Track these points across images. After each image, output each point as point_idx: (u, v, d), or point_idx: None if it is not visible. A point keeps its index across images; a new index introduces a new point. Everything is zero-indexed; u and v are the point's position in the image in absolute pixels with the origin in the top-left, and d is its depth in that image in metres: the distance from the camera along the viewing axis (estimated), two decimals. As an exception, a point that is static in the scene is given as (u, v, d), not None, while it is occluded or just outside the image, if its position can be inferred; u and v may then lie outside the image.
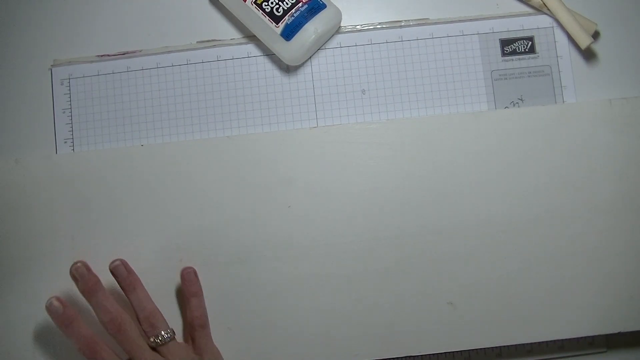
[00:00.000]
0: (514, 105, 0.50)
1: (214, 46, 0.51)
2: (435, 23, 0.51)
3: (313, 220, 0.47)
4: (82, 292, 0.43)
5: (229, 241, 0.47)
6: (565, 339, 0.47)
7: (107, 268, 0.45)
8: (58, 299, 0.42)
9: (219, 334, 0.46)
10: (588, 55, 0.50)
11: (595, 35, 0.50)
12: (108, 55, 0.51)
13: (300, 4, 0.47)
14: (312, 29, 0.47)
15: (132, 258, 0.47)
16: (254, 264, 0.47)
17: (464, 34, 0.51)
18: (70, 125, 0.50)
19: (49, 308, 0.42)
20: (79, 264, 0.43)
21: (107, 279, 0.46)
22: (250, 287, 0.47)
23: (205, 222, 0.47)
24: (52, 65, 0.51)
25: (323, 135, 0.48)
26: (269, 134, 0.48)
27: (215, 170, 0.47)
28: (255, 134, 0.49)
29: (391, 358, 0.46)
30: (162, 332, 0.43)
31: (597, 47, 0.50)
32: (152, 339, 0.43)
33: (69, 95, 0.51)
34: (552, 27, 0.50)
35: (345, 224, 0.47)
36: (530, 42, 0.50)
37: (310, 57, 0.51)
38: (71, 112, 0.51)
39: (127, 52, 0.51)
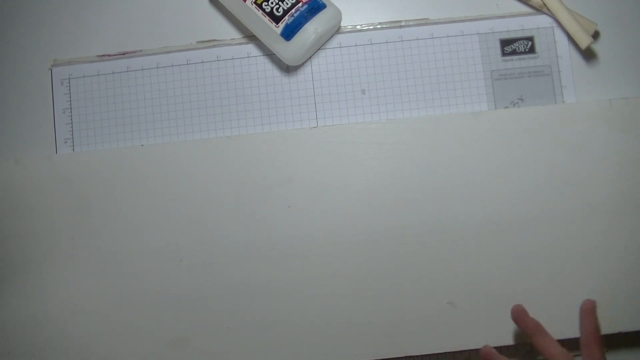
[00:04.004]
0: (514, 105, 0.50)
1: (214, 46, 0.51)
2: (435, 23, 0.51)
3: (313, 220, 0.47)
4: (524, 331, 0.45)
5: (229, 241, 0.47)
6: (565, 339, 0.47)
7: (107, 268, 0.45)
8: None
9: (219, 334, 0.46)
10: (588, 55, 0.50)
11: (595, 35, 0.50)
12: (108, 55, 0.51)
13: (300, 4, 0.47)
14: (312, 29, 0.47)
15: (132, 258, 0.47)
16: (254, 264, 0.47)
17: (464, 34, 0.51)
18: (70, 125, 0.50)
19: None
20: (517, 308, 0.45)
21: (106, 282, 0.46)
22: (250, 287, 0.47)
23: (205, 222, 0.47)
24: (52, 65, 0.51)
25: (323, 135, 0.48)
26: (269, 133, 0.48)
27: (215, 170, 0.47)
28: (255, 134, 0.49)
29: (391, 358, 0.46)
30: None
31: (597, 47, 0.50)
32: None
33: (69, 95, 0.51)
34: (552, 27, 0.50)
35: (345, 223, 0.47)
36: (530, 42, 0.50)
37: (310, 57, 0.51)
38: (71, 112, 0.51)
39: (127, 52, 0.51)
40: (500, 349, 0.48)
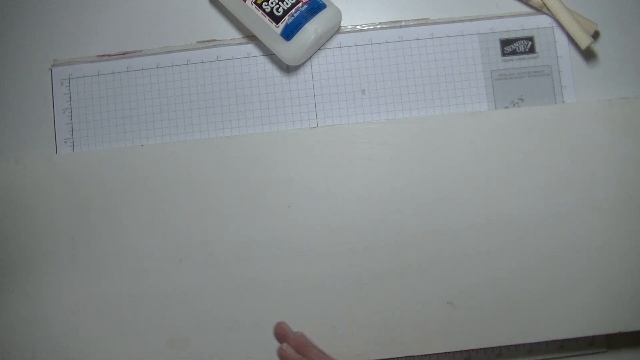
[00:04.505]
0: (514, 105, 0.50)
1: (214, 46, 0.51)
2: (435, 23, 0.51)
3: (313, 220, 0.47)
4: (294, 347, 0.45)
5: (229, 241, 0.47)
6: (565, 339, 0.47)
7: (107, 268, 0.45)
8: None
9: (219, 334, 0.46)
10: (588, 55, 0.50)
11: (595, 35, 0.50)
12: (108, 55, 0.51)
13: (300, 4, 0.47)
14: (312, 29, 0.47)
15: (132, 258, 0.47)
16: (254, 264, 0.47)
17: (464, 34, 0.51)
18: (70, 125, 0.50)
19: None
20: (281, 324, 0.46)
21: (106, 282, 0.45)
22: (251, 287, 0.47)
23: (205, 222, 0.47)
24: (52, 65, 0.51)
25: (323, 135, 0.48)
26: (269, 133, 0.48)
27: (215, 170, 0.47)
28: (255, 134, 0.49)
29: (391, 358, 0.46)
30: None
31: (597, 47, 0.50)
32: None
33: (69, 95, 0.51)
34: (552, 27, 0.50)
35: (345, 223, 0.47)
36: (530, 42, 0.50)
37: (310, 57, 0.51)
38: (71, 112, 0.51)
39: (127, 52, 0.51)
40: (500, 349, 0.48)
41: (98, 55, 0.51)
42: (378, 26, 0.51)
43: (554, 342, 0.48)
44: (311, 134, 0.48)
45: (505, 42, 0.50)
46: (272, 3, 0.47)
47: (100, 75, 0.51)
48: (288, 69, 0.51)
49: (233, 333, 0.46)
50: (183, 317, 0.47)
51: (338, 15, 0.49)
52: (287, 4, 0.47)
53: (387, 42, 0.51)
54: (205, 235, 0.47)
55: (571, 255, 0.46)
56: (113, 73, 0.51)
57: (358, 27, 0.51)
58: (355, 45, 0.51)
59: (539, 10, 0.50)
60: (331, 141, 0.48)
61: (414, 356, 0.47)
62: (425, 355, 0.47)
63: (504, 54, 0.50)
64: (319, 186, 0.47)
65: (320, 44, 0.50)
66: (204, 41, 0.51)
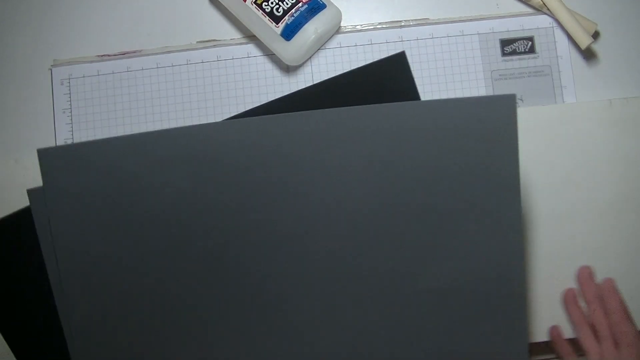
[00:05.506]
0: (514, 105, 0.50)
1: (214, 46, 0.51)
2: (435, 23, 0.51)
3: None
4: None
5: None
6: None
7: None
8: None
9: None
10: (588, 55, 0.50)
11: (595, 35, 0.50)
12: (108, 55, 0.51)
13: (300, 4, 0.47)
14: (312, 29, 0.47)
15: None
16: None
17: (464, 34, 0.51)
18: (70, 125, 0.51)
19: None
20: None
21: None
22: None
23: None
24: (52, 65, 0.51)
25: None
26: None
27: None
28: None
29: (391, 358, 0.46)
30: None
31: (597, 47, 0.50)
32: None
33: (69, 95, 0.51)
34: (552, 27, 0.50)
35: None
36: (530, 42, 0.50)
37: (310, 57, 0.51)
38: (71, 112, 0.51)
39: (127, 52, 0.51)
40: (500, 349, 0.48)
41: (98, 55, 0.51)
42: (378, 26, 0.51)
43: (554, 342, 0.48)
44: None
45: (505, 42, 0.50)
46: (272, 3, 0.47)
47: (100, 75, 0.51)
48: (288, 69, 0.51)
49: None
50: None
51: (338, 15, 0.49)
52: (287, 4, 0.47)
53: (387, 42, 0.51)
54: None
55: (571, 255, 0.46)
56: (113, 73, 0.51)
57: (358, 27, 0.51)
58: (355, 45, 0.51)
59: (539, 10, 0.51)
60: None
61: (414, 356, 0.46)
62: (425, 355, 0.47)
63: (504, 54, 0.50)
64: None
65: (320, 44, 0.50)
66: (204, 41, 0.51)
